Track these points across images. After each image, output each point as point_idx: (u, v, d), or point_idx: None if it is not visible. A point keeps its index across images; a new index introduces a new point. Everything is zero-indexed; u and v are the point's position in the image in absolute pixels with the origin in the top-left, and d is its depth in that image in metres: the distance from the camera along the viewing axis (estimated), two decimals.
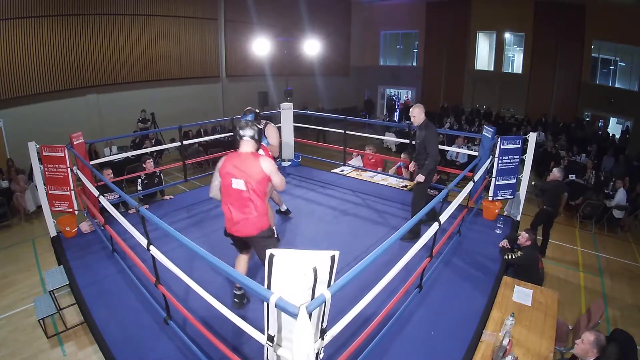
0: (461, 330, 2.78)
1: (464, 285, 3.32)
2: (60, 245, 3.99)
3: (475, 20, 13.59)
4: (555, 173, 5.02)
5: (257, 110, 3.88)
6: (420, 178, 3.87)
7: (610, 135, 11.01)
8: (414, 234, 3.65)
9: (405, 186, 5.74)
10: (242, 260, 2.87)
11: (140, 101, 10.14)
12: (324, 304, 1.58)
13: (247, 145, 2.58)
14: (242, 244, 2.78)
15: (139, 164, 6.53)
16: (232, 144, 6.06)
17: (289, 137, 6.23)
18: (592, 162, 8.40)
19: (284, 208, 4.54)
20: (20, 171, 7.32)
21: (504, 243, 3.80)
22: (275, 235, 3.53)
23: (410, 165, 4.56)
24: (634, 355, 2.89)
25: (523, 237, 3.69)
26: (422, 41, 15.06)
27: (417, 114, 3.90)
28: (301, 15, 13.08)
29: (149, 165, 5.09)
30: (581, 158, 9.04)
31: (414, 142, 5.15)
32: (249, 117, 3.75)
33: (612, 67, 11.50)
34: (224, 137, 7.94)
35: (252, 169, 2.48)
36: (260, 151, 2.81)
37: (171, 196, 5.27)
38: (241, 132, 2.57)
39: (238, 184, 2.49)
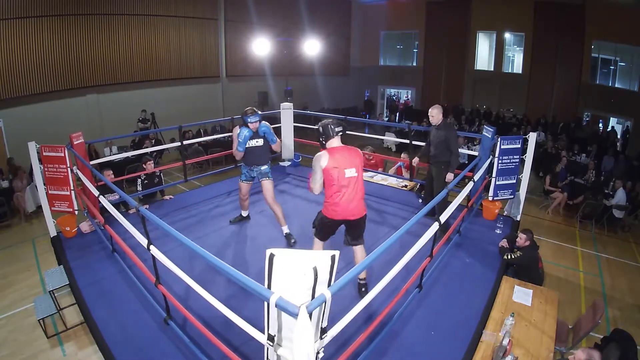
0: (461, 330, 2.78)
1: (464, 285, 3.32)
2: (60, 245, 3.99)
3: (475, 20, 13.59)
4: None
5: (259, 112, 3.83)
6: (450, 177, 4.02)
7: (610, 134, 11.00)
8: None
9: (405, 186, 5.74)
10: (319, 246, 3.10)
11: (140, 101, 10.14)
12: (324, 304, 1.58)
13: (343, 138, 2.85)
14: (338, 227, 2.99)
15: (139, 164, 6.54)
16: (231, 144, 6.03)
17: (289, 137, 6.23)
18: (592, 162, 8.40)
19: (245, 214, 4.43)
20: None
21: (504, 243, 3.81)
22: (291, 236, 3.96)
23: (413, 160, 4.69)
24: (634, 355, 2.89)
25: (521, 238, 3.69)
26: (422, 41, 15.05)
27: (436, 114, 4.10)
28: (301, 15, 13.08)
29: (150, 166, 5.10)
30: (581, 158, 9.03)
31: (414, 142, 5.17)
32: (256, 118, 3.70)
33: (612, 67, 11.50)
34: (224, 137, 7.94)
35: (360, 158, 2.83)
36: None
37: (171, 196, 5.27)
38: (336, 129, 2.77)
39: (351, 172, 2.74)
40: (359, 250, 3.01)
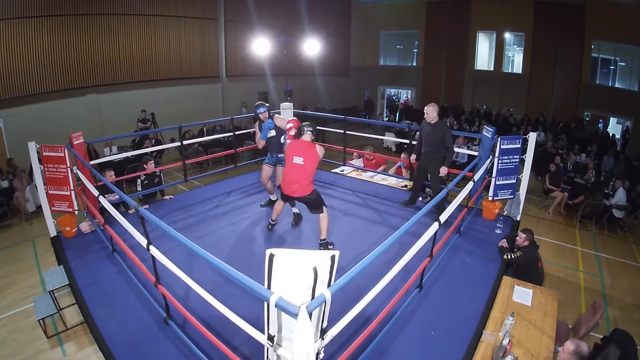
0: (461, 330, 2.78)
1: (464, 285, 3.32)
2: (60, 245, 3.99)
3: (475, 20, 13.59)
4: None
5: (267, 105, 4.47)
6: (445, 170, 4.30)
7: (610, 135, 11.00)
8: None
9: (405, 186, 5.74)
10: (280, 205, 4.02)
11: (140, 101, 10.14)
12: (324, 304, 1.58)
13: (307, 136, 3.70)
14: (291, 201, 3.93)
15: (139, 164, 6.54)
16: (231, 144, 6.07)
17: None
18: (592, 162, 8.40)
19: (274, 197, 4.81)
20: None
21: (503, 243, 3.80)
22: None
23: (411, 157, 4.78)
24: (634, 355, 2.89)
25: (521, 238, 3.69)
26: (422, 41, 15.04)
27: (431, 112, 4.23)
28: (301, 15, 13.08)
29: (150, 166, 5.10)
30: (581, 158, 9.03)
31: (414, 142, 5.17)
32: (264, 109, 4.38)
33: (612, 67, 11.49)
34: (224, 137, 7.94)
35: (310, 151, 3.61)
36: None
37: (171, 196, 5.27)
38: (305, 128, 3.68)
39: (297, 160, 3.56)
40: (321, 217, 3.71)
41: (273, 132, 4.42)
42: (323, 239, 3.75)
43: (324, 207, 3.72)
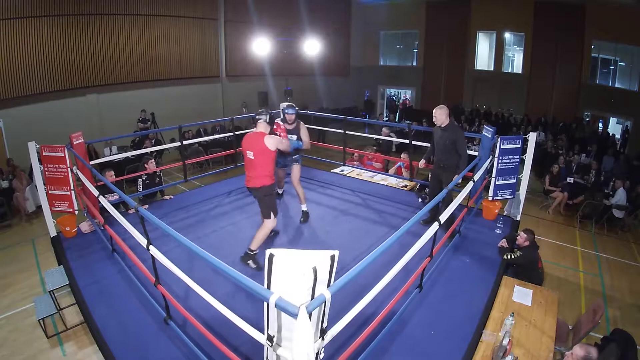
0: (461, 330, 2.78)
1: (464, 285, 3.32)
2: (60, 245, 3.99)
3: (475, 20, 13.59)
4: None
5: (271, 112, 4.23)
6: (456, 181, 3.70)
7: (610, 135, 11.00)
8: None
9: (405, 186, 5.74)
10: None
11: (140, 101, 10.14)
12: (324, 304, 1.58)
13: (260, 126, 3.48)
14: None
15: (139, 164, 6.54)
16: (231, 144, 6.08)
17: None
18: (594, 162, 8.39)
19: (280, 191, 4.98)
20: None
21: (503, 243, 3.80)
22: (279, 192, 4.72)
23: (420, 163, 4.43)
24: (634, 355, 2.89)
25: (521, 238, 3.69)
26: (422, 41, 15.04)
27: (439, 115, 3.94)
28: (301, 15, 13.07)
29: (151, 165, 5.10)
30: (581, 158, 9.03)
31: (414, 142, 5.17)
32: (290, 111, 4.32)
33: (612, 67, 11.49)
34: (224, 137, 7.94)
35: (258, 144, 3.39)
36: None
37: (171, 196, 5.27)
38: (257, 117, 3.48)
39: (249, 154, 3.43)
40: (263, 225, 3.56)
41: (295, 137, 4.35)
42: (252, 249, 3.50)
43: (272, 214, 3.52)
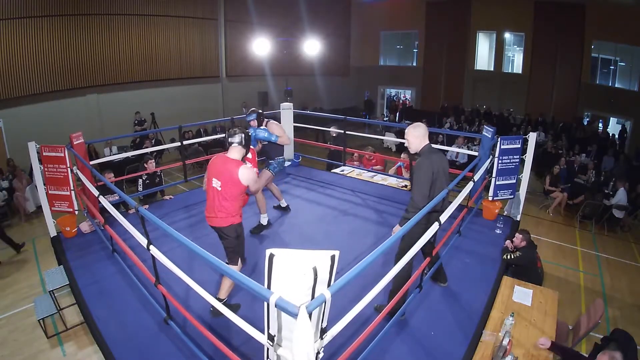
0: (461, 330, 2.78)
1: (464, 285, 3.32)
2: (60, 245, 3.99)
3: (475, 20, 13.60)
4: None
5: (260, 111, 4.12)
6: (395, 229, 2.87)
7: (610, 135, 11.01)
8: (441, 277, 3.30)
9: (405, 186, 5.74)
10: None
11: (141, 101, 10.15)
12: (324, 304, 1.58)
13: (233, 151, 2.81)
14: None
15: (139, 164, 6.54)
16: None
17: (285, 134, 6.22)
18: (591, 162, 8.41)
19: (284, 204, 4.65)
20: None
21: (508, 244, 3.80)
22: (265, 223, 4.16)
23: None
24: (634, 355, 2.89)
25: (517, 239, 3.69)
26: (422, 41, 15.06)
27: (412, 138, 2.81)
28: (301, 15, 13.08)
29: (151, 165, 5.10)
30: (581, 158, 9.04)
31: None
32: (253, 117, 4.02)
33: (612, 67, 11.50)
34: (224, 137, 7.93)
35: (229, 174, 2.71)
36: (249, 155, 3.12)
37: (171, 196, 5.27)
38: (230, 139, 2.78)
39: (216, 183, 2.74)
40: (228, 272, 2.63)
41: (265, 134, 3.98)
42: (220, 298, 2.74)
43: (238, 260, 2.88)
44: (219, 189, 2.71)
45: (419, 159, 2.77)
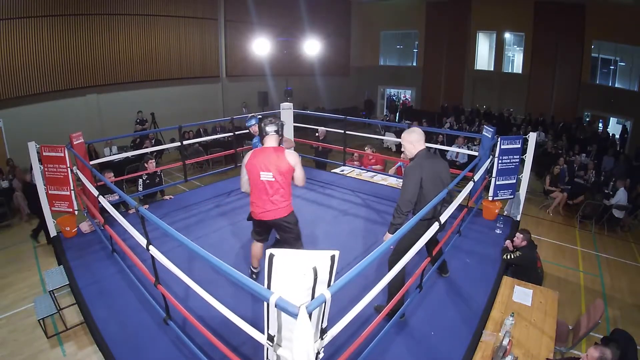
0: (461, 330, 2.78)
1: (464, 285, 3.32)
2: (60, 245, 3.99)
3: (475, 20, 13.60)
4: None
5: (260, 116, 4.12)
6: (386, 237, 2.72)
7: (610, 135, 11.01)
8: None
9: None
10: (258, 247, 3.17)
11: (141, 101, 10.15)
12: (324, 304, 1.58)
13: (271, 139, 2.82)
14: (266, 229, 3.05)
15: (139, 164, 6.54)
16: (231, 144, 6.07)
17: (289, 137, 6.23)
18: (591, 162, 8.41)
19: None
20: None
21: (508, 244, 3.80)
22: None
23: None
24: (634, 355, 2.89)
25: (518, 238, 3.69)
26: (422, 41, 15.05)
27: (407, 144, 2.76)
28: (301, 15, 13.08)
29: (151, 165, 5.09)
30: (581, 158, 9.04)
31: None
32: (253, 123, 4.03)
33: (612, 67, 11.50)
34: (224, 137, 7.94)
35: (279, 162, 2.74)
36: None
37: (171, 196, 5.27)
38: (266, 129, 2.80)
39: (266, 175, 2.74)
40: (258, 246, 3.10)
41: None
42: (255, 267, 3.08)
43: (301, 241, 2.97)
44: (273, 179, 2.73)
45: (410, 164, 2.77)
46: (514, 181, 4.55)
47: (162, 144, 8.65)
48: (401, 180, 5.87)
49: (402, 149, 2.88)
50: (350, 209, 4.89)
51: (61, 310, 3.75)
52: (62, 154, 3.99)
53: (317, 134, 6.85)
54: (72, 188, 4.12)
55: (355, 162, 6.83)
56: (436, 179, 2.72)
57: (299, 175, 2.86)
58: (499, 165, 4.43)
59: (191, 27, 11.06)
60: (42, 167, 4.05)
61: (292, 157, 2.78)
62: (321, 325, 1.73)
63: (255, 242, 3.15)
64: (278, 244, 3.18)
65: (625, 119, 11.36)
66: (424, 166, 2.67)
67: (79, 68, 8.99)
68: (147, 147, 7.62)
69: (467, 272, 3.53)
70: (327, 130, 6.76)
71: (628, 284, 5.05)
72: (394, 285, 2.61)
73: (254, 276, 3.28)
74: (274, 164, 2.72)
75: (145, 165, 5.13)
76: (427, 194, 2.66)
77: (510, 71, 13.67)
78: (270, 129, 2.79)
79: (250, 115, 4.07)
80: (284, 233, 2.94)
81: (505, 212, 4.83)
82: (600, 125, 11.71)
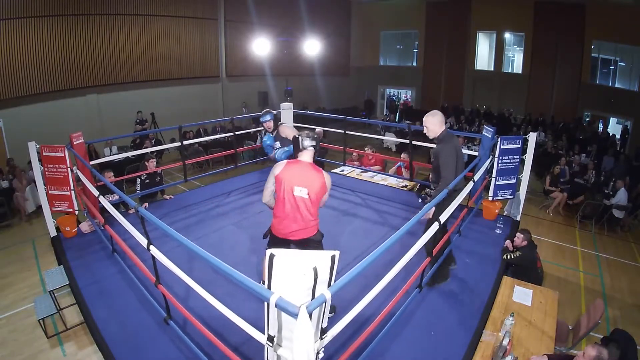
0: (461, 330, 2.78)
1: (464, 285, 3.32)
2: (60, 245, 3.99)
3: (475, 20, 13.59)
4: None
5: (275, 112, 4.14)
6: (429, 214, 2.96)
7: (611, 135, 11.01)
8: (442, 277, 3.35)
9: (405, 186, 5.74)
10: None
11: (141, 101, 10.14)
12: (324, 304, 1.58)
13: (308, 154, 2.65)
14: (286, 246, 2.76)
15: (139, 164, 6.54)
16: (231, 144, 6.06)
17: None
18: (591, 162, 8.41)
19: None
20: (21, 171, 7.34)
21: (508, 244, 3.80)
22: None
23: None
24: (634, 355, 2.89)
25: (518, 238, 3.69)
26: (422, 41, 15.05)
27: (429, 124, 3.10)
28: (301, 15, 13.08)
29: (152, 164, 5.09)
30: (581, 158, 9.05)
31: (414, 142, 5.16)
32: (268, 117, 4.05)
33: (612, 67, 11.50)
34: (224, 137, 7.95)
35: (314, 180, 2.58)
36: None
37: (171, 196, 5.27)
38: (305, 143, 2.61)
39: (301, 191, 2.56)
40: None
41: (278, 144, 3.98)
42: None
43: None
44: (306, 196, 2.56)
45: (442, 144, 3.09)
46: (514, 181, 4.55)
47: (162, 144, 8.65)
48: (401, 180, 5.89)
49: (425, 131, 3.18)
50: (350, 209, 4.89)
51: (61, 310, 3.75)
52: (62, 154, 3.99)
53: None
54: (72, 188, 4.12)
55: (355, 162, 6.83)
56: (459, 153, 3.15)
57: (326, 198, 2.76)
58: (499, 165, 4.43)
59: (191, 27, 11.06)
60: (42, 167, 4.05)
61: (328, 179, 2.64)
62: (321, 325, 1.73)
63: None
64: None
65: (625, 119, 11.36)
66: (455, 144, 3.10)
67: (79, 68, 8.99)
68: (147, 147, 7.63)
69: (467, 272, 3.53)
70: (326, 131, 6.75)
71: (628, 284, 5.05)
72: (431, 244, 2.85)
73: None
74: (310, 180, 2.56)
75: (147, 164, 5.12)
76: (459, 169, 3.11)
77: (510, 71, 13.66)
78: (308, 143, 2.61)
79: (265, 110, 4.01)
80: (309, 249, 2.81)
81: (505, 212, 4.83)
82: (601, 125, 11.71)
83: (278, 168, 2.64)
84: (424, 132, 3.18)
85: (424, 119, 3.13)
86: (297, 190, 2.55)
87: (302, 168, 2.60)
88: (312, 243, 2.71)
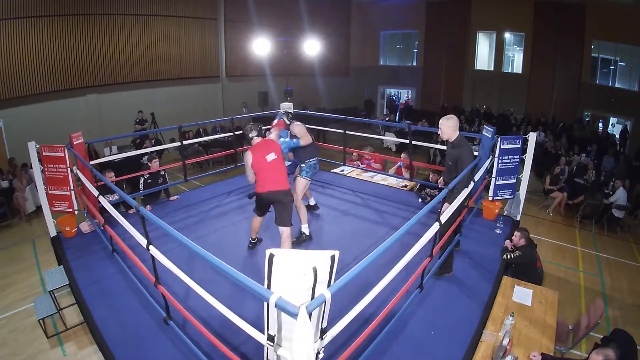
0: (461, 330, 2.78)
1: (464, 285, 3.32)
2: (60, 245, 3.99)
3: (475, 20, 13.60)
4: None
5: (290, 113, 4.31)
6: (445, 208, 3.08)
7: (611, 135, 11.00)
8: (447, 269, 3.45)
9: (405, 186, 5.74)
10: (258, 221, 3.70)
11: (141, 101, 10.15)
12: (324, 304, 1.58)
13: (271, 135, 3.80)
14: (267, 205, 3.54)
15: (139, 164, 6.54)
16: (231, 144, 6.06)
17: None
18: (590, 162, 8.41)
19: (312, 202, 4.74)
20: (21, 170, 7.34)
21: (507, 244, 3.80)
22: (308, 233, 4.03)
23: (439, 180, 4.15)
24: (634, 355, 2.89)
25: (516, 237, 3.69)
26: (422, 41, 15.05)
27: (445, 127, 3.29)
28: (301, 15, 13.08)
29: (155, 164, 5.07)
30: (581, 158, 9.04)
31: (414, 142, 5.16)
32: (279, 117, 4.30)
33: (612, 67, 11.49)
34: (224, 137, 7.94)
35: (275, 148, 3.46)
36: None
37: (177, 196, 5.23)
38: (250, 135, 3.44)
39: (271, 156, 3.36)
40: (284, 237, 3.42)
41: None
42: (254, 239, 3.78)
43: (291, 224, 3.44)
44: (275, 157, 3.36)
45: (461, 148, 3.31)
46: (514, 181, 4.54)
47: (162, 144, 8.65)
48: (401, 180, 5.89)
49: (439, 132, 3.39)
50: (350, 209, 4.89)
51: (61, 310, 3.75)
52: (62, 154, 3.99)
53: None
54: (72, 188, 4.12)
55: (355, 162, 6.83)
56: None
57: (296, 143, 3.98)
58: (499, 165, 4.43)
59: (191, 27, 11.06)
60: (42, 167, 4.04)
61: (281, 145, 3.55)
62: (321, 325, 1.73)
63: (256, 217, 3.65)
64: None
65: (625, 119, 11.35)
66: (469, 147, 3.34)
67: (79, 68, 8.99)
68: (147, 147, 7.62)
69: (467, 272, 3.53)
70: (325, 131, 6.75)
71: (628, 284, 5.05)
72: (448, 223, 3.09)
73: (250, 245, 3.83)
74: (273, 148, 3.40)
75: (150, 164, 5.10)
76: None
77: (510, 71, 13.67)
78: (252, 135, 3.44)
79: (282, 111, 4.42)
80: (282, 205, 3.41)
81: (505, 212, 4.82)
82: (601, 125, 11.70)
83: (250, 151, 3.39)
84: (438, 132, 3.43)
85: (440, 122, 3.35)
86: (270, 156, 3.35)
87: (266, 144, 3.44)
88: (284, 197, 3.40)
